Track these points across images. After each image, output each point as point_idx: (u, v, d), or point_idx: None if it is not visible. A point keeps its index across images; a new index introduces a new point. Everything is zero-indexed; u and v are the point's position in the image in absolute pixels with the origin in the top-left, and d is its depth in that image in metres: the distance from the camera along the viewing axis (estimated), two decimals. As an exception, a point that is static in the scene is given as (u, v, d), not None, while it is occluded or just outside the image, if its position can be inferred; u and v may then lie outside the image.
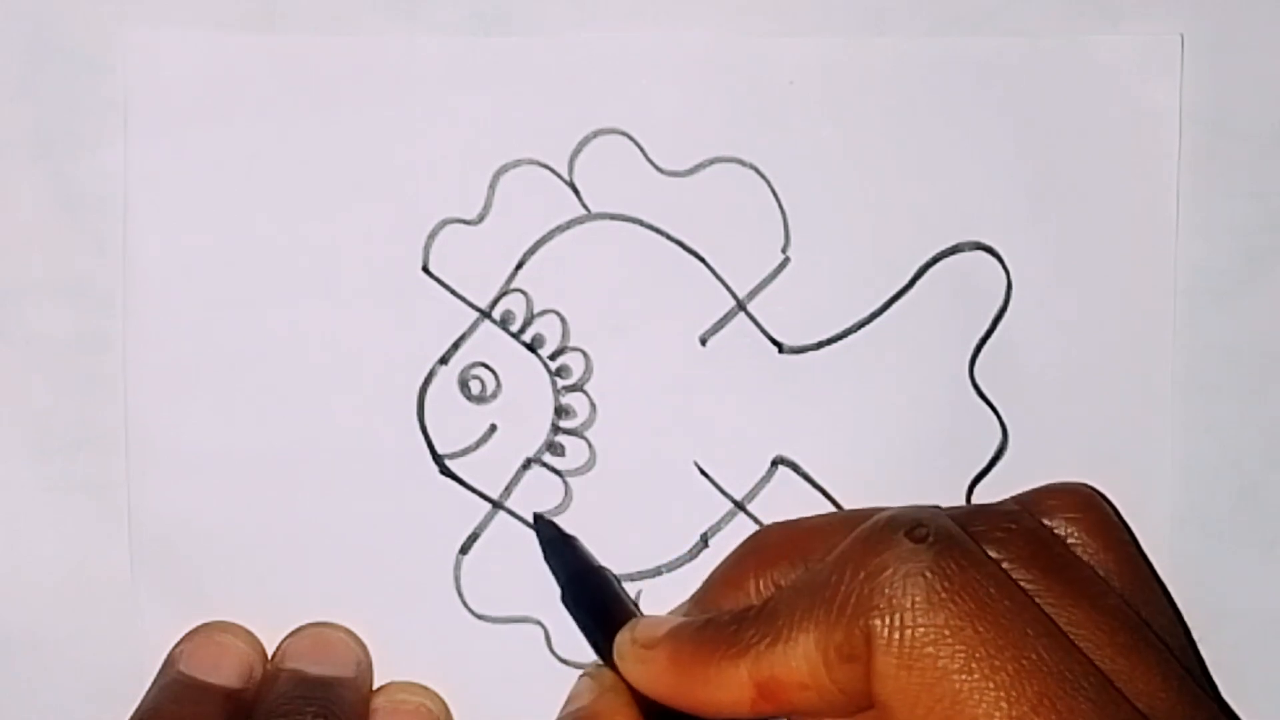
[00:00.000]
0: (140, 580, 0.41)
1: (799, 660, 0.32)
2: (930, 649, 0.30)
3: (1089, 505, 0.35)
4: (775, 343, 0.41)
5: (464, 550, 0.41)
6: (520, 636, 0.41)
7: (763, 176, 0.41)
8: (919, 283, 0.41)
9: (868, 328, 0.41)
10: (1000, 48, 0.41)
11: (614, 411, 0.41)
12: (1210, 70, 0.41)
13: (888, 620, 0.30)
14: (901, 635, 0.30)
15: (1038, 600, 0.31)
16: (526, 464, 0.41)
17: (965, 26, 0.41)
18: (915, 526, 0.31)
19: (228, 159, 0.40)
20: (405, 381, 0.41)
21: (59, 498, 0.41)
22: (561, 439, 0.41)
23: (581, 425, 0.41)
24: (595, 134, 0.41)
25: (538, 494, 0.41)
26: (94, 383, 0.41)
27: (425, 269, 0.41)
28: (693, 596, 0.39)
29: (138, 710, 0.38)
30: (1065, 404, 0.41)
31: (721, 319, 0.41)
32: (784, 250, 0.41)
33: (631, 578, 0.41)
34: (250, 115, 0.40)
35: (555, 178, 0.41)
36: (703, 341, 0.41)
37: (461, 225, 0.41)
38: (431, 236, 0.41)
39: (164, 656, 0.40)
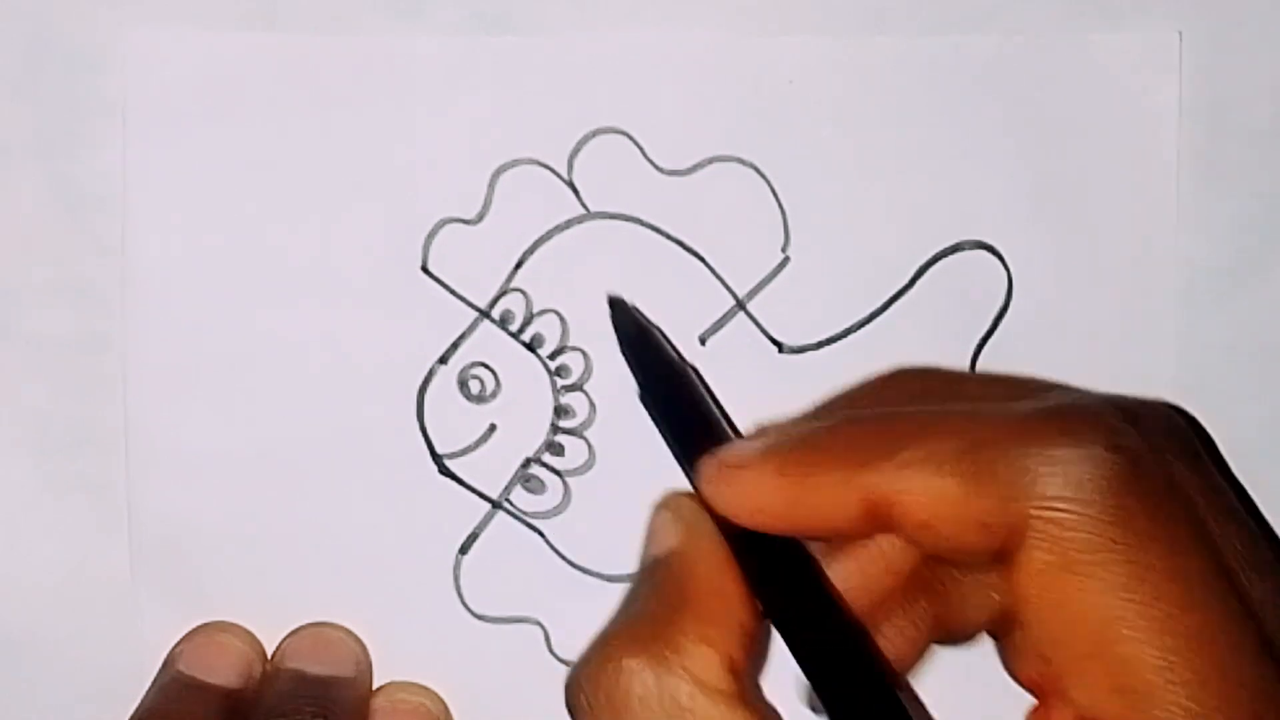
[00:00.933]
0: (140, 580, 0.41)
1: (925, 498, 0.29)
2: (1087, 557, 0.27)
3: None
4: (775, 342, 0.41)
5: (464, 550, 0.41)
6: (520, 636, 0.41)
7: (763, 176, 0.41)
8: (919, 282, 0.41)
9: (868, 327, 0.41)
10: (1000, 47, 0.41)
11: (614, 411, 0.41)
12: (1209, 68, 0.41)
13: (1057, 510, 0.27)
14: (1063, 536, 0.27)
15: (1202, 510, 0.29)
16: (526, 464, 0.41)
17: (965, 26, 0.41)
18: (1117, 434, 0.28)
19: (228, 159, 0.40)
20: (405, 381, 0.41)
21: (59, 498, 0.41)
22: (561, 439, 0.41)
23: (581, 425, 0.41)
24: (595, 133, 0.41)
25: (537, 494, 0.41)
26: (94, 383, 0.41)
27: (424, 269, 0.41)
28: (802, 415, 0.36)
29: (137, 710, 0.38)
30: (1065, 403, 0.41)
31: (721, 318, 0.41)
32: (784, 250, 0.41)
33: (631, 578, 0.41)
34: (250, 115, 0.40)
35: (555, 177, 0.41)
36: (702, 341, 0.41)
37: (461, 225, 0.41)
38: (431, 236, 0.41)
39: (164, 656, 0.40)
